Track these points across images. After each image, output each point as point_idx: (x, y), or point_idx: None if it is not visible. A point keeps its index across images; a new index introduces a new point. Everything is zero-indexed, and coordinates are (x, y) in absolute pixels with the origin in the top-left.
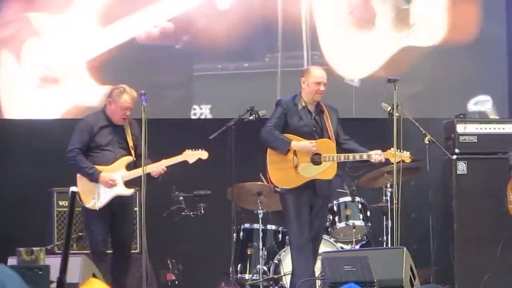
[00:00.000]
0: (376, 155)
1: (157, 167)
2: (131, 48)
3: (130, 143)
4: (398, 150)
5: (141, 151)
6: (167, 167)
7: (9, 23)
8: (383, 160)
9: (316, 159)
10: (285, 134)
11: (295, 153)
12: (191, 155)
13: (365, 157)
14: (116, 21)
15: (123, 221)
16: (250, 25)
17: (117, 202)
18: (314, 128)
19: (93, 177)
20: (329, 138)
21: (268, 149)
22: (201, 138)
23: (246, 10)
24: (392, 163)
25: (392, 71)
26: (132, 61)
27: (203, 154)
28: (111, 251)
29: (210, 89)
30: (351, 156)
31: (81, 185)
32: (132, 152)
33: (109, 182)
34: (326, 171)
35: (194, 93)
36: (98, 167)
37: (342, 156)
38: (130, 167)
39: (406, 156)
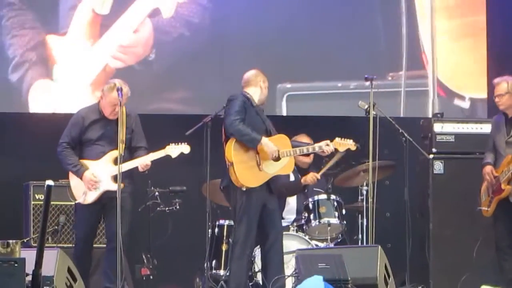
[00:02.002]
0: (327, 146)
1: (142, 162)
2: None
3: (121, 137)
4: (342, 139)
5: (136, 144)
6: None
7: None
8: (332, 150)
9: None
10: None
11: (256, 150)
12: (174, 149)
13: (317, 148)
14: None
15: (114, 214)
16: (372, 40)
17: (108, 196)
18: (267, 126)
19: (78, 175)
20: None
21: (233, 148)
22: (177, 134)
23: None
24: (339, 152)
25: None
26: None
27: (186, 149)
28: (99, 245)
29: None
30: (305, 149)
31: (74, 180)
32: (122, 146)
33: (90, 183)
34: (286, 166)
35: None
36: (87, 162)
37: (298, 150)
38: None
39: (351, 143)
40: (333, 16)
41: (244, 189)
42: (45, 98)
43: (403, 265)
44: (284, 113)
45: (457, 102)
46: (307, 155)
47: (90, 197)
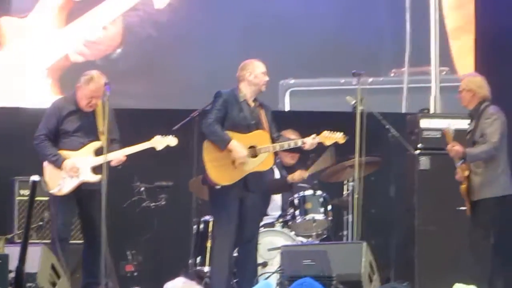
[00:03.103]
0: (313, 140)
1: (118, 156)
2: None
3: (100, 128)
4: (331, 132)
5: (113, 137)
6: (130, 155)
7: None
8: (315, 144)
9: (252, 152)
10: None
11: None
12: (160, 142)
13: (299, 143)
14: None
15: (92, 207)
16: (375, 37)
17: (85, 189)
18: (253, 122)
19: (57, 164)
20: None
21: (205, 147)
22: (165, 129)
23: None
24: (327, 146)
25: None
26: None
27: (173, 141)
28: (75, 241)
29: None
30: (285, 145)
31: (48, 171)
32: (104, 137)
33: (72, 170)
34: (264, 162)
35: None
36: (66, 153)
37: (278, 146)
38: (99, 152)
39: (340, 137)
40: (336, 11)
41: (219, 187)
42: None
43: (388, 262)
44: (287, 109)
45: None
46: (289, 151)
47: (66, 188)
